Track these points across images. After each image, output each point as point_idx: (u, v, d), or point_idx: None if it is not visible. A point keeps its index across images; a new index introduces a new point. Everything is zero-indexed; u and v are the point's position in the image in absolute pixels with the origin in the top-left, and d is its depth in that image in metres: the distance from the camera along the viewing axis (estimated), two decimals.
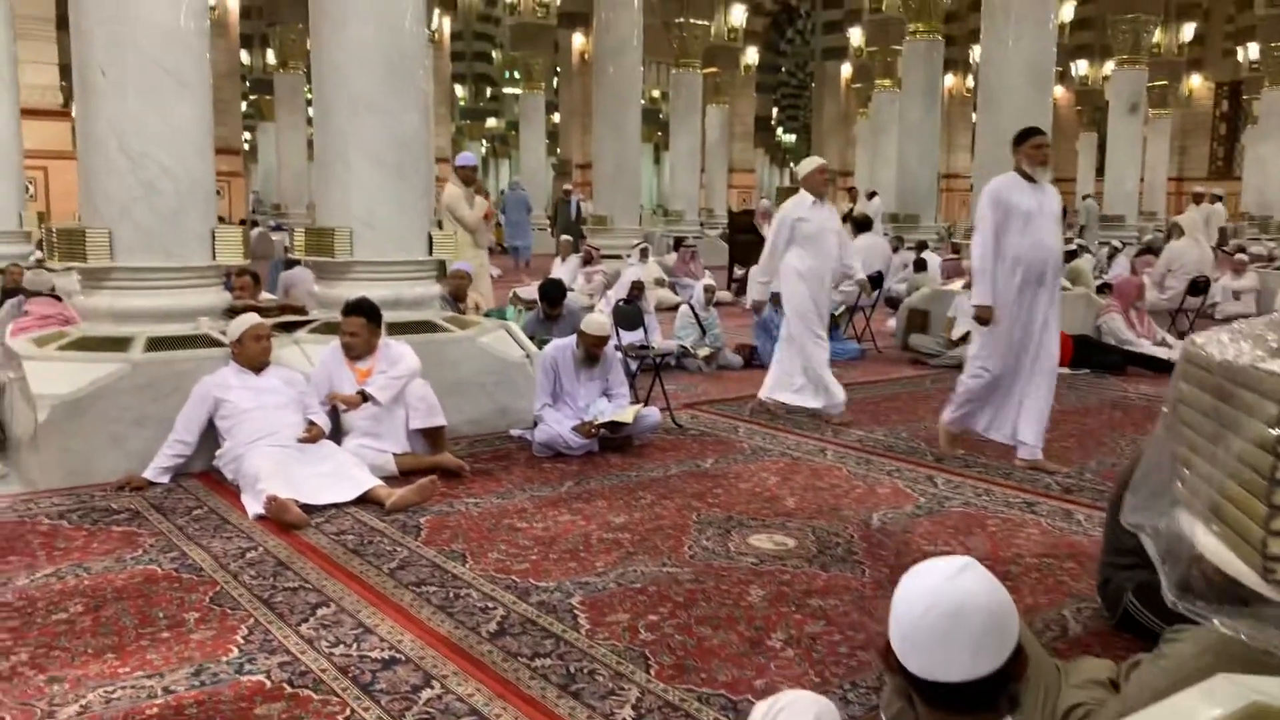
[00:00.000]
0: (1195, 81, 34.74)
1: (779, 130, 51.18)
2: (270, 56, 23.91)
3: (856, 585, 3.55)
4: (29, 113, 12.30)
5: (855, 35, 27.72)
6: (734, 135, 28.04)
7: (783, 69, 47.61)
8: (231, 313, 5.58)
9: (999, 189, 5.13)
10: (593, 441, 5.25)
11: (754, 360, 8.22)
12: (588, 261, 12.91)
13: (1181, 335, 9.22)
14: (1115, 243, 16.11)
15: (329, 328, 5.52)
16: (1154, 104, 24.18)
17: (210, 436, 4.77)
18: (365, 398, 4.81)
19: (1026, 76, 8.72)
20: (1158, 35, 21.57)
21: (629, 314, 6.83)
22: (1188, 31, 26.05)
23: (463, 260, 8.68)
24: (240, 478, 4.48)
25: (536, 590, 3.44)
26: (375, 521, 4.15)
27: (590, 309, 11.65)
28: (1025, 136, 5.27)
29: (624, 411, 5.29)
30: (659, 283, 12.60)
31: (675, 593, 3.43)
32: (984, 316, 5.13)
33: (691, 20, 19.50)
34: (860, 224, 11.52)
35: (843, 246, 6.53)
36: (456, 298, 7.62)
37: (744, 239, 15.39)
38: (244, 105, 30.27)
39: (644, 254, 13.10)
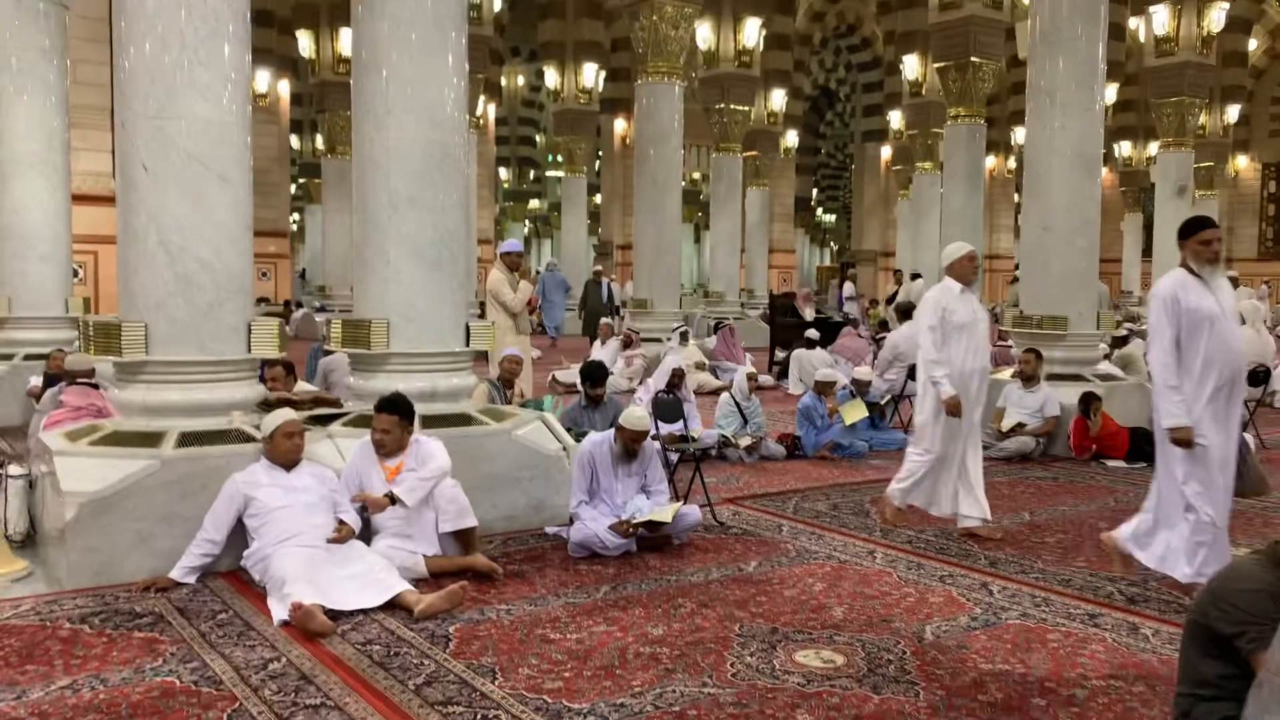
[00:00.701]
0: (1241, 162, 34.53)
1: (819, 210, 51.48)
2: (319, 141, 24.48)
3: (911, 710, 3.31)
4: (81, 198, 12.54)
5: (895, 118, 27.90)
6: (774, 216, 28.15)
7: (822, 150, 48.11)
8: (266, 405, 5.53)
9: (1173, 292, 4.53)
10: (630, 541, 5.07)
11: (797, 451, 8.02)
12: (628, 345, 12.83)
13: (1244, 427, 8.86)
14: None
15: (363, 420, 5.43)
16: (1200, 185, 23.99)
17: (239, 534, 4.66)
18: (393, 500, 4.67)
19: (1073, 162, 8.58)
20: (1202, 117, 21.44)
21: (669, 406, 6.67)
22: (1233, 113, 25.89)
23: (504, 346, 8.63)
24: (267, 579, 4.35)
25: (569, 713, 3.24)
26: (403, 630, 3.98)
27: (631, 392, 11.55)
28: (1192, 229, 4.63)
29: (663, 510, 5.11)
30: (699, 366, 12.46)
31: (717, 718, 3.22)
32: (1182, 439, 4.47)
33: (732, 106, 19.69)
34: (905, 311, 11.34)
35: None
36: (507, 383, 7.54)
37: (785, 322, 15.29)
38: (293, 188, 31.04)
39: (684, 337, 13.00)
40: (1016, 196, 34.28)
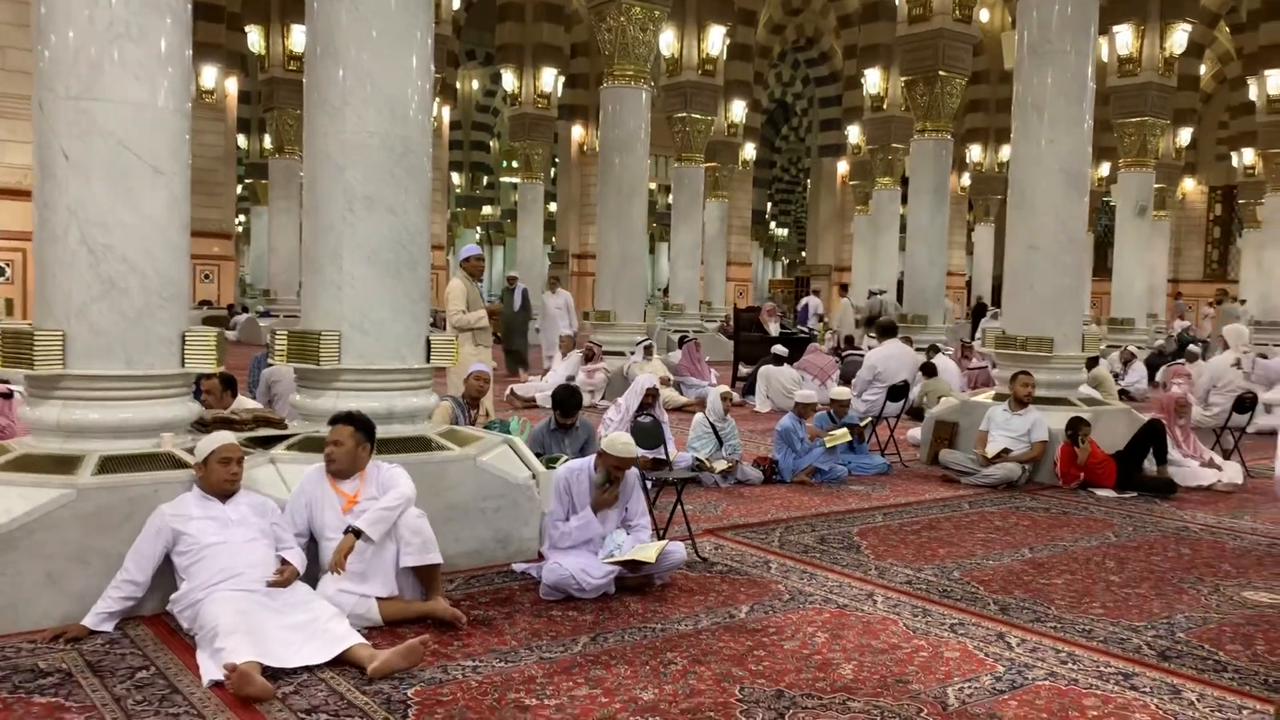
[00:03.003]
0: (1189, 185, 35.01)
1: (772, 224, 51.38)
2: (267, 141, 23.70)
3: None
4: (7, 193, 11.83)
5: (853, 133, 27.77)
6: (731, 228, 27.86)
7: (776, 164, 48.06)
8: (201, 425, 4.96)
9: None
10: (609, 581, 4.57)
11: (774, 475, 7.58)
12: (589, 358, 12.34)
13: (1227, 455, 8.62)
14: (1132, 348, 15.63)
15: (311, 443, 4.89)
16: (1154, 206, 24.07)
17: (167, 572, 4.08)
18: (356, 534, 4.13)
19: (1060, 179, 8.25)
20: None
21: (649, 430, 6.18)
22: (1184, 136, 26.10)
23: (462, 359, 8.11)
24: (197, 629, 3.79)
25: None
26: (354, 693, 3.45)
27: (593, 407, 11.04)
28: None
29: (646, 549, 4.62)
30: (664, 382, 12.00)
31: None
32: None
33: (694, 115, 19.30)
34: (885, 330, 10.98)
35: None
36: (473, 401, 6.98)
37: (749, 336, 14.90)
38: (239, 188, 30.13)
39: (648, 351, 12.54)
40: (968, 215, 34.43)
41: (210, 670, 3.54)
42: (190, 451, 4.38)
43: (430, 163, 5.42)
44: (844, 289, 22.25)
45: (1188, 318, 26.59)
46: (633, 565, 4.58)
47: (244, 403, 6.37)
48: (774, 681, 3.66)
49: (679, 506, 5.59)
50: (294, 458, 4.80)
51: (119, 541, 4.08)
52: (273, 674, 3.52)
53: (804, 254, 43.32)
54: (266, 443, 4.99)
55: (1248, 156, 28.75)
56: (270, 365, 8.38)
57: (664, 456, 6.19)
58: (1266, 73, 21.12)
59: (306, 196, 5.24)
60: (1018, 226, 8.55)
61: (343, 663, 3.66)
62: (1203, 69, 28.35)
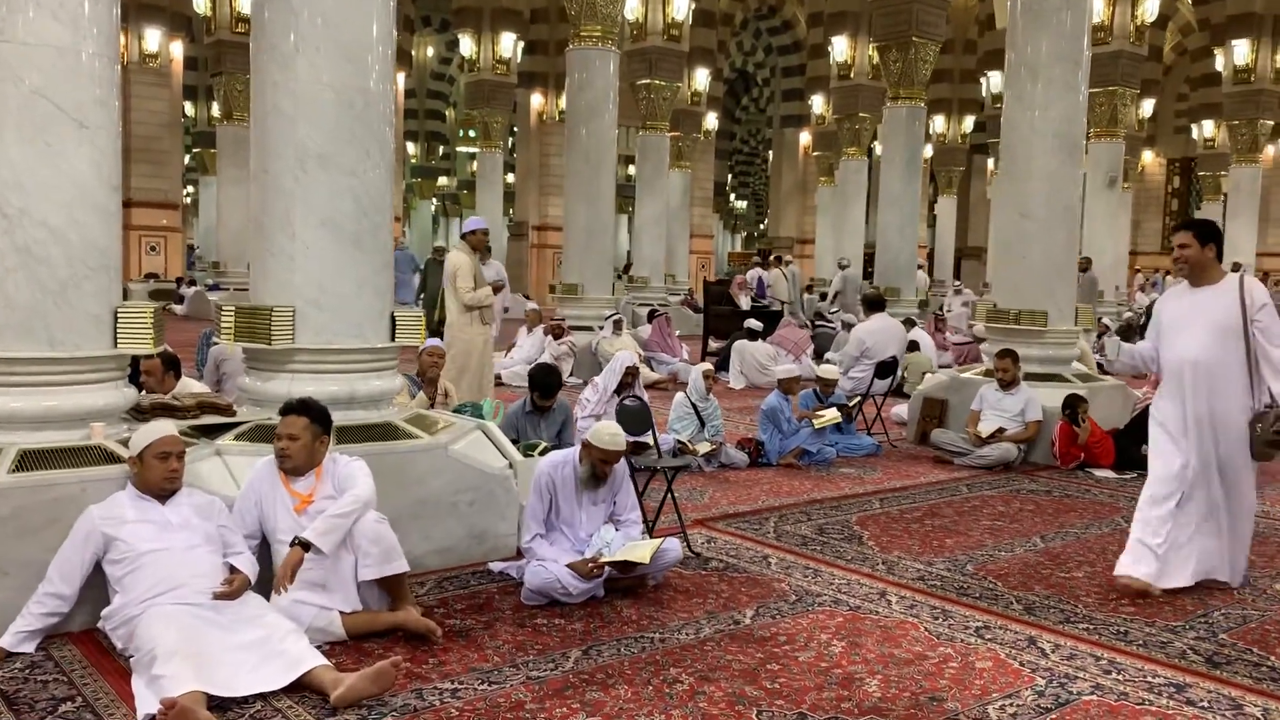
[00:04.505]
0: (1147, 157, 35.03)
1: (731, 196, 50.91)
2: (215, 109, 22.77)
3: None
4: None
5: (817, 103, 27.36)
6: (694, 200, 27.35)
7: (736, 135, 47.53)
8: (139, 411, 4.43)
9: None
10: (598, 584, 4.13)
11: (760, 457, 7.17)
12: (557, 335, 11.84)
13: None
14: (1106, 320, 15.42)
15: (261, 432, 4.38)
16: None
17: (99, 583, 3.58)
18: (305, 547, 3.64)
19: (1054, 145, 7.88)
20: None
21: (637, 414, 5.72)
22: (1147, 107, 25.98)
23: (464, 340, 7.67)
24: (133, 650, 3.29)
25: None
26: None
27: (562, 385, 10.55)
28: None
29: (638, 548, 4.17)
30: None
31: None
32: None
33: (658, 82, 18.73)
34: (872, 303, 10.57)
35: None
36: (429, 380, 6.48)
37: (719, 310, 14.49)
38: (186, 158, 29.09)
39: (617, 325, 12.06)
40: (929, 185, 34.18)
41: (146, 701, 3.05)
42: (125, 444, 3.86)
43: (391, 117, 4.90)
44: (779, 260, 21.73)
45: (1150, 291, 26.58)
46: (624, 566, 4.14)
47: (188, 385, 5.81)
48: (794, 703, 3.24)
49: (670, 497, 5.15)
50: (243, 449, 4.28)
51: (41, 549, 3.57)
52: (221, 704, 3.05)
53: (763, 226, 42.92)
54: (212, 432, 4.47)
55: (1207, 129, 28.76)
56: (218, 343, 7.81)
57: (650, 441, 5.74)
58: (1234, 43, 20.96)
59: (254, 156, 4.69)
60: (1008, 194, 8.16)
61: (302, 688, 3.19)
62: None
